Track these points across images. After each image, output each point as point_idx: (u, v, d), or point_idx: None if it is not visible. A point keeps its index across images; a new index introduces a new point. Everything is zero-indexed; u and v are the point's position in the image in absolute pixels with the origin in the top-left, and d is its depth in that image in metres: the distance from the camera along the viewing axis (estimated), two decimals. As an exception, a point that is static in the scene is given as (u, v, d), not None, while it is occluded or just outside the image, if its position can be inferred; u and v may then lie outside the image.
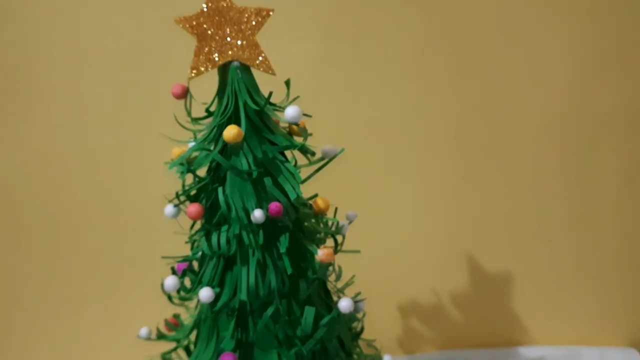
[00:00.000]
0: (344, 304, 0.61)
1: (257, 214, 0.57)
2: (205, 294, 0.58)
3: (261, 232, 0.58)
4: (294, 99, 0.61)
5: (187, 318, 0.68)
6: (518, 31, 0.91)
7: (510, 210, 0.98)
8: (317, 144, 0.64)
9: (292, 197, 0.58)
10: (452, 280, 1.01)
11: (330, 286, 0.68)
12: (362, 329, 0.71)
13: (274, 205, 0.57)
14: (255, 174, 0.58)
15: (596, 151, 0.96)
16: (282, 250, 0.59)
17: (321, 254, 0.59)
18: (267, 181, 0.58)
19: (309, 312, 0.60)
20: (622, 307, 1.02)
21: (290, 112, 0.57)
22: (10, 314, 1.00)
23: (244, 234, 0.58)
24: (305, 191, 0.63)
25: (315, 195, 0.64)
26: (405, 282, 1.00)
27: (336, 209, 0.67)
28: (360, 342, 0.71)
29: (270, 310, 0.59)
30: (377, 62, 0.92)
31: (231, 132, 0.56)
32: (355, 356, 0.68)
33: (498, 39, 0.91)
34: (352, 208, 0.69)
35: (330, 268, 0.66)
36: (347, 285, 0.70)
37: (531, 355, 1.01)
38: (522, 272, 1.01)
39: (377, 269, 0.89)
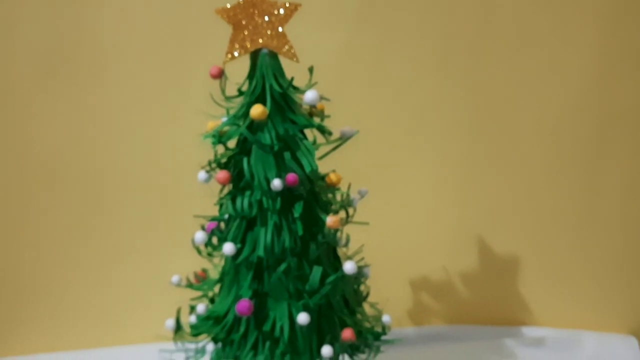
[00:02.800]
0: (348, 266, 0.68)
1: (276, 183, 0.64)
2: (229, 247, 0.66)
3: (279, 198, 0.66)
4: (314, 84, 0.68)
5: (211, 269, 0.77)
6: (534, 30, 0.97)
7: (520, 196, 1.04)
8: (340, 126, 0.70)
9: (307, 169, 0.66)
10: (462, 260, 1.07)
11: (341, 253, 0.75)
12: (367, 294, 0.78)
13: (291, 176, 0.65)
14: (276, 148, 0.65)
15: (607, 146, 1.01)
16: (296, 215, 0.66)
17: (329, 220, 0.66)
18: (287, 155, 0.66)
19: (317, 270, 0.67)
20: (624, 296, 1.06)
21: (309, 95, 0.65)
22: (61, 266, 1.08)
23: (264, 199, 0.66)
24: (325, 168, 0.70)
25: (332, 171, 0.71)
26: (417, 259, 1.06)
27: (349, 184, 0.73)
28: (366, 306, 0.78)
29: (283, 266, 0.66)
30: (400, 53, 0.98)
31: (257, 110, 0.63)
32: (358, 315, 0.75)
33: (515, 35, 0.97)
34: (369, 187, 0.75)
35: (339, 235, 0.73)
36: (356, 253, 0.77)
37: (533, 335, 1.05)
38: (528, 256, 1.06)
39: (391, 244, 0.97)
